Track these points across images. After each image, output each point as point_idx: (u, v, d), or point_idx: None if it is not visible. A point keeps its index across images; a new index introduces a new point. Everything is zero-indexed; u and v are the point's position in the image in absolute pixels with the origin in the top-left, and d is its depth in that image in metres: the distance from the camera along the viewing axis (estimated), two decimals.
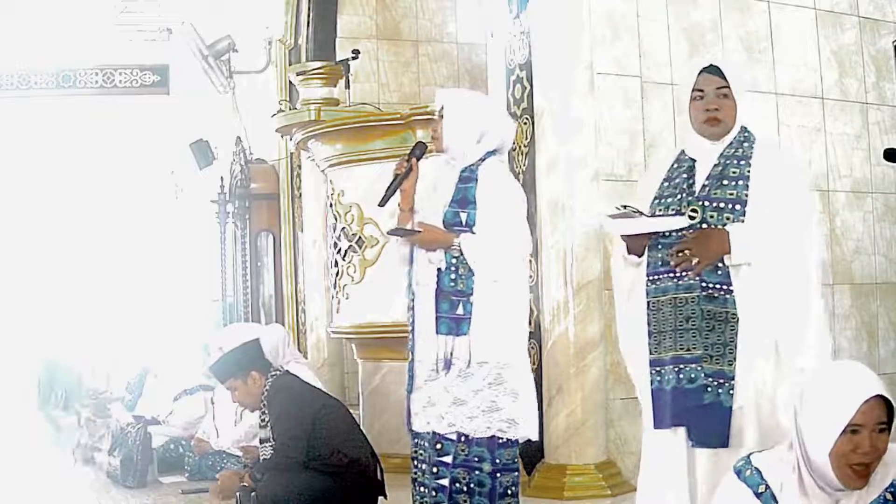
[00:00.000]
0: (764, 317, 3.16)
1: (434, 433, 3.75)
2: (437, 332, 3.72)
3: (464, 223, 3.72)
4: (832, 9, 5.64)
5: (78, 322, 11.26)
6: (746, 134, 3.31)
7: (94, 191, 11.29)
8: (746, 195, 3.21)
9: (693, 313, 3.21)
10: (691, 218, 3.23)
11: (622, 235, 3.34)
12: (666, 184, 3.36)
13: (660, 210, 3.32)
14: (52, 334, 11.17)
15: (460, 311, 3.69)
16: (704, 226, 3.22)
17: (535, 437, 3.81)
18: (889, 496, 2.44)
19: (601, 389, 4.86)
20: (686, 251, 3.20)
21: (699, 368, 3.19)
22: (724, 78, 3.26)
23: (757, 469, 2.58)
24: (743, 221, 3.19)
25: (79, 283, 11.43)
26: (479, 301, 3.69)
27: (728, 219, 3.20)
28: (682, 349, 3.23)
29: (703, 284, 3.20)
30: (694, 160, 3.33)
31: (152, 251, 11.39)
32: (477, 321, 3.69)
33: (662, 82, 5.09)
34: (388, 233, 3.80)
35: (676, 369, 3.23)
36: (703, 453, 3.21)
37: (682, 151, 3.39)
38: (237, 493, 4.62)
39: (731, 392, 3.15)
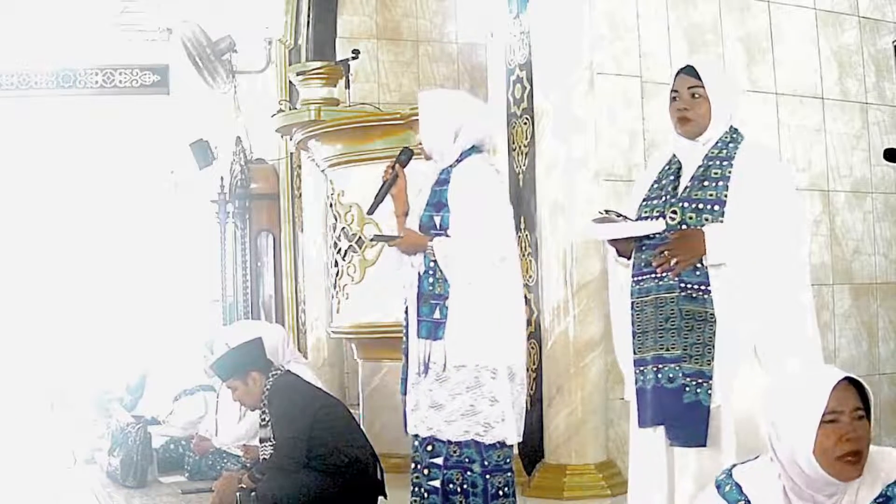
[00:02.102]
0: (741, 317, 3.15)
1: (428, 435, 3.77)
2: (419, 336, 3.74)
3: (438, 226, 3.72)
4: (832, 9, 5.64)
5: (78, 322, 11.25)
6: (735, 135, 3.30)
7: (93, 191, 11.28)
8: (726, 195, 3.20)
9: (673, 313, 3.21)
10: (671, 219, 3.24)
11: (607, 240, 3.37)
12: (655, 185, 3.37)
13: (646, 212, 3.34)
14: (51, 334, 11.16)
15: (437, 315, 3.70)
16: (684, 227, 3.22)
17: (512, 440, 3.77)
18: None
19: (601, 389, 4.87)
20: (666, 252, 3.21)
21: (678, 368, 3.19)
22: (699, 78, 3.27)
23: (737, 484, 2.54)
24: (722, 222, 3.18)
25: (79, 282, 11.43)
26: (455, 305, 3.69)
27: (707, 219, 3.20)
28: (662, 349, 3.24)
29: (683, 285, 3.20)
30: (681, 162, 3.34)
31: (152, 251, 11.39)
32: (452, 325, 3.69)
33: (662, 82, 5.07)
34: (370, 239, 3.82)
35: (656, 369, 3.24)
36: (682, 452, 3.21)
37: (674, 154, 3.40)
38: (237, 494, 4.62)
39: (709, 392, 3.15)
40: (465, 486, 3.73)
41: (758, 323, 3.15)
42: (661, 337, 3.24)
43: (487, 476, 3.74)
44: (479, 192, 3.74)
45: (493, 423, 3.71)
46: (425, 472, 3.77)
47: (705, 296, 3.17)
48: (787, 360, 3.11)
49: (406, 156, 3.86)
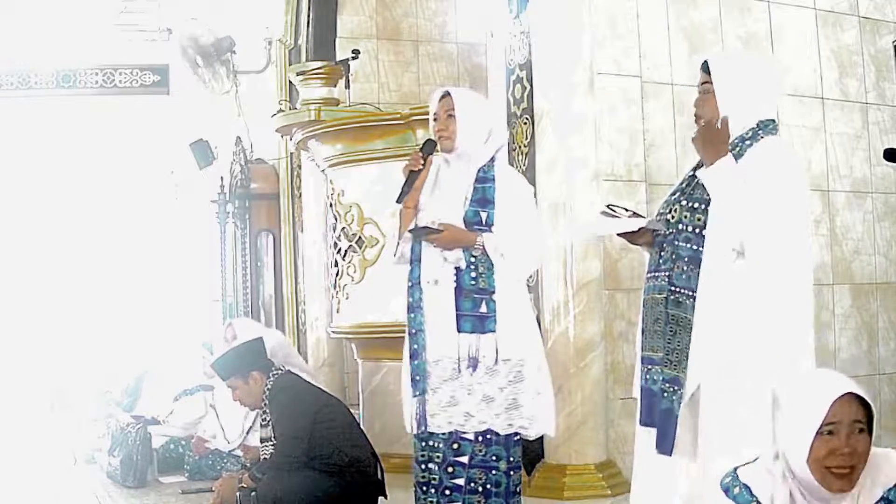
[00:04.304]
0: (722, 324, 3.06)
1: (451, 433, 3.76)
2: (460, 331, 3.73)
3: (484, 222, 3.75)
4: (832, 9, 5.64)
5: (78, 322, 11.25)
6: (760, 131, 3.14)
7: (93, 191, 11.27)
8: None
9: (660, 315, 3.19)
10: (671, 217, 3.19)
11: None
12: (678, 183, 3.32)
13: (661, 209, 3.30)
14: (52, 334, 11.16)
15: (483, 308, 3.73)
16: (680, 226, 3.15)
17: (552, 433, 3.90)
18: None
19: (601, 389, 4.87)
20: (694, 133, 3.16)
21: (660, 371, 3.17)
22: (709, 73, 3.17)
23: (745, 486, 2.50)
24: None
25: (79, 282, 11.42)
26: (502, 299, 3.73)
27: (699, 220, 3.11)
28: (649, 350, 3.24)
29: (672, 288, 3.15)
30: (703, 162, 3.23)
31: (152, 251, 11.38)
32: (501, 319, 3.73)
33: (662, 82, 5.09)
34: (409, 231, 3.80)
35: (645, 369, 3.25)
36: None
37: None
38: (237, 494, 4.62)
39: (681, 402, 3.09)
40: (487, 486, 3.75)
41: (737, 325, 3.05)
42: (649, 338, 3.24)
43: (511, 473, 3.79)
44: (527, 192, 3.91)
45: (537, 416, 3.78)
46: (448, 470, 3.77)
47: (689, 301, 3.10)
48: (764, 363, 3.01)
49: (431, 147, 3.88)
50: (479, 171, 3.82)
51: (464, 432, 3.74)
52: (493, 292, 3.73)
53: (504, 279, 3.74)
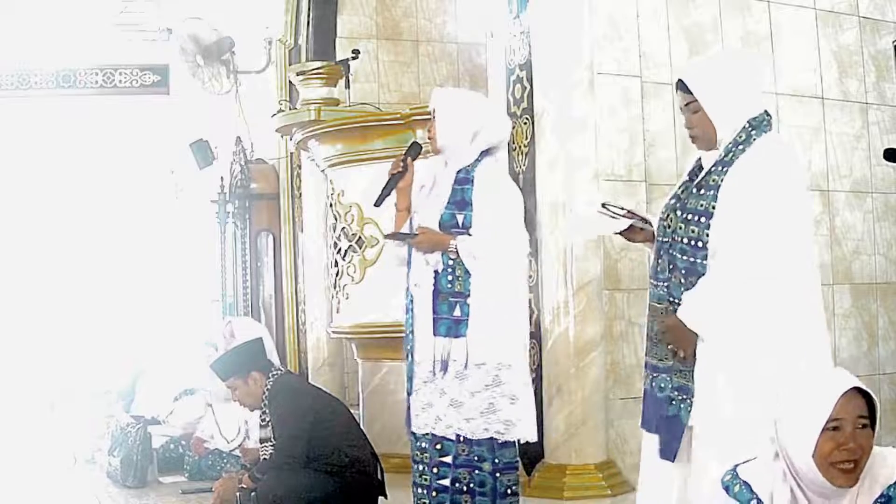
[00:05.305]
0: (720, 336, 3.05)
1: (434, 434, 3.76)
2: (435, 334, 3.73)
3: (460, 225, 3.73)
4: (832, 9, 5.64)
5: (78, 321, 11.26)
6: (752, 131, 3.08)
7: (93, 191, 11.28)
8: (714, 207, 3.04)
9: (662, 325, 3.18)
10: (668, 226, 3.16)
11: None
12: (677, 186, 3.29)
13: (662, 214, 3.29)
14: (52, 334, 11.16)
15: (458, 312, 3.71)
16: (675, 236, 3.13)
17: (532, 438, 3.81)
18: None
19: (601, 389, 4.87)
20: (669, 346, 3.14)
21: (668, 379, 3.16)
22: (689, 91, 3.10)
23: (745, 483, 2.51)
24: (709, 236, 3.05)
25: (78, 282, 11.43)
26: (477, 303, 3.70)
27: (693, 231, 3.08)
28: (655, 357, 3.22)
29: (671, 298, 3.14)
30: (703, 165, 3.20)
31: (152, 251, 11.39)
32: (474, 323, 3.69)
33: (662, 82, 5.08)
34: (385, 237, 3.81)
35: (650, 377, 3.23)
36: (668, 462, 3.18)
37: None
38: (237, 494, 4.62)
39: (689, 410, 3.10)
40: (472, 486, 3.74)
41: (740, 332, 3.02)
42: (654, 346, 3.23)
43: (497, 474, 3.76)
44: (504, 194, 3.80)
45: (514, 421, 3.73)
46: (434, 470, 3.78)
47: None
48: (766, 368, 2.99)
49: (416, 150, 3.87)
50: (460, 171, 3.79)
51: (443, 434, 3.75)
52: (469, 296, 3.70)
53: (482, 282, 3.70)
